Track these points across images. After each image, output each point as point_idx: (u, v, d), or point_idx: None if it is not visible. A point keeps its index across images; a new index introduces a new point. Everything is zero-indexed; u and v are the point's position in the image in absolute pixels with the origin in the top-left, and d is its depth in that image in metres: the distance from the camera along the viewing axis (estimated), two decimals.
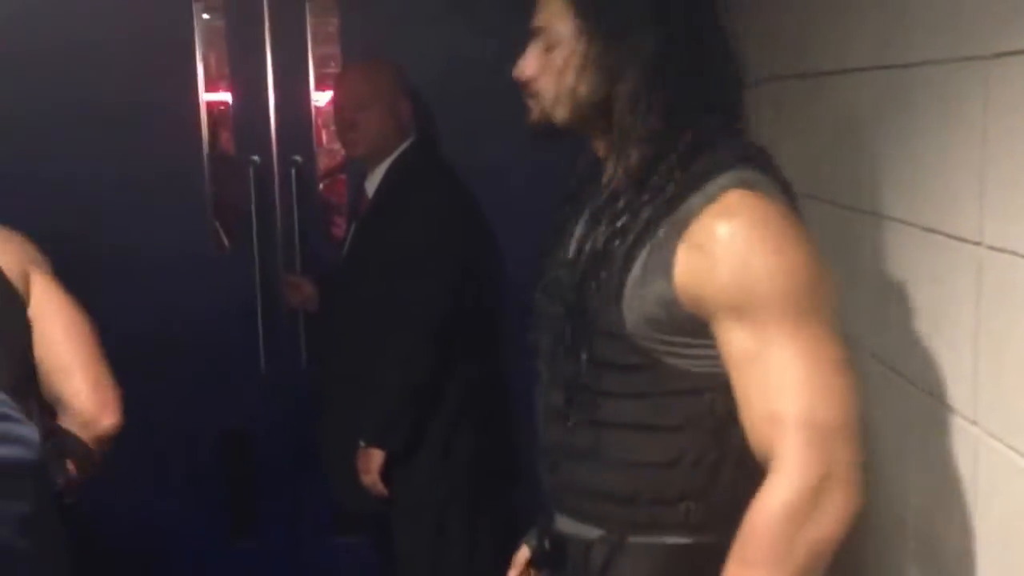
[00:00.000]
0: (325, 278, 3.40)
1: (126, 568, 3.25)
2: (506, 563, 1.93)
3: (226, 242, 3.57)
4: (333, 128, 3.46)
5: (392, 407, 3.07)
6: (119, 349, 3.36)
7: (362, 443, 3.08)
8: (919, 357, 1.83)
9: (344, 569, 3.67)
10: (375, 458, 3.06)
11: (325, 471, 3.32)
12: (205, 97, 3.46)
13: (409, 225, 3.04)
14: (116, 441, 2.20)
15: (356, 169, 3.38)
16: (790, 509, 1.51)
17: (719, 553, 1.58)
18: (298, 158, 3.48)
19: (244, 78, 3.47)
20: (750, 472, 1.59)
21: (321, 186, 3.61)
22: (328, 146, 3.57)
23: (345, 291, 3.22)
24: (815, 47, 2.33)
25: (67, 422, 2.10)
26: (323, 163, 3.58)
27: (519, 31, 1.77)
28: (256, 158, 3.47)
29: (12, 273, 2.07)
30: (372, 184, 3.21)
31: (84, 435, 2.09)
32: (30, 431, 1.08)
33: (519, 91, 1.76)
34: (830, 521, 1.52)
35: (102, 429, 2.11)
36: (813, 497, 1.51)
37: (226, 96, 3.50)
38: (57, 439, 2.03)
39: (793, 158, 1.99)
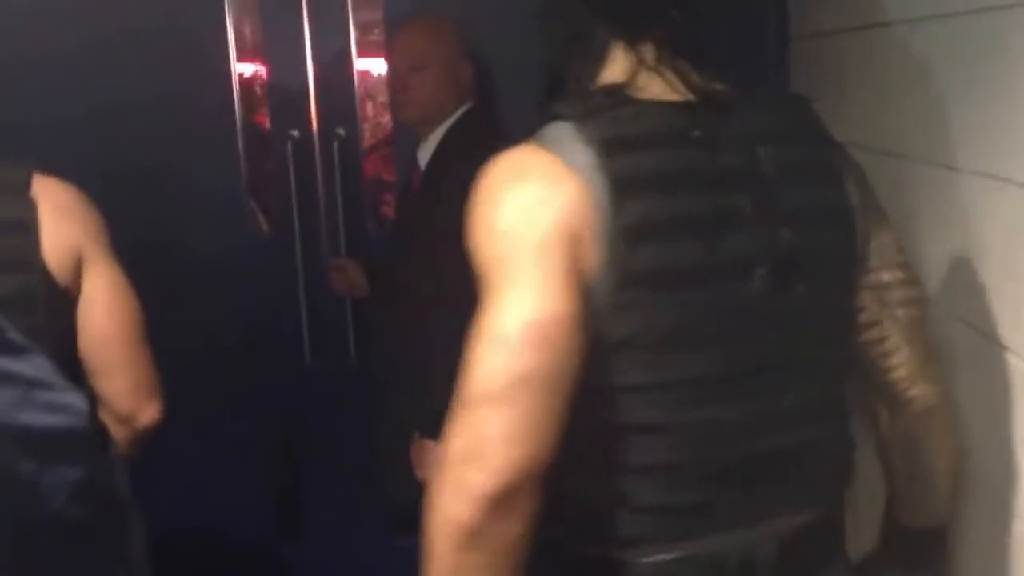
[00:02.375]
0: (374, 261, 3.34)
1: (169, 569, 3.25)
2: None
3: (264, 225, 3.52)
4: (382, 100, 3.43)
5: (447, 396, 2.98)
6: (154, 341, 3.33)
7: (416, 435, 3.04)
8: (1001, 315, 1.81)
9: (399, 571, 3.61)
10: (431, 450, 2.98)
11: (380, 466, 3.28)
12: (238, 68, 3.39)
13: (462, 199, 2.95)
14: (156, 439, 2.24)
15: (405, 142, 3.32)
16: (433, 489, 1.50)
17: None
18: (341, 131, 3.42)
19: (280, 47, 3.40)
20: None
21: (367, 161, 3.53)
22: (374, 118, 3.51)
23: (395, 273, 3.17)
24: None
25: (105, 416, 2.12)
26: (368, 136, 3.52)
27: None
28: (295, 132, 3.41)
29: (63, 256, 2.08)
30: (425, 154, 3.16)
31: (121, 431, 2.12)
32: (77, 399, 1.11)
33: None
34: (458, 501, 1.47)
35: (140, 426, 2.18)
36: (451, 474, 1.48)
37: (261, 67, 3.44)
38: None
39: (859, 112, 2.04)
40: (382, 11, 3.41)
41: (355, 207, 3.48)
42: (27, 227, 2.03)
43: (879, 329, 1.75)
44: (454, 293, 2.88)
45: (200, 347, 3.36)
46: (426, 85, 3.09)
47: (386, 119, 3.47)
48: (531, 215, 1.54)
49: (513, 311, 1.51)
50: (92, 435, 1.13)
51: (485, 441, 1.47)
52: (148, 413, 2.18)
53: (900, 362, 1.75)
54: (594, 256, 1.53)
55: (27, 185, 2.06)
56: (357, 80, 3.45)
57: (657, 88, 1.65)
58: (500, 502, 1.47)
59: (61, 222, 2.09)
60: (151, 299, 3.32)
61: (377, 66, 3.41)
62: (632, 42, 1.68)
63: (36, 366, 1.10)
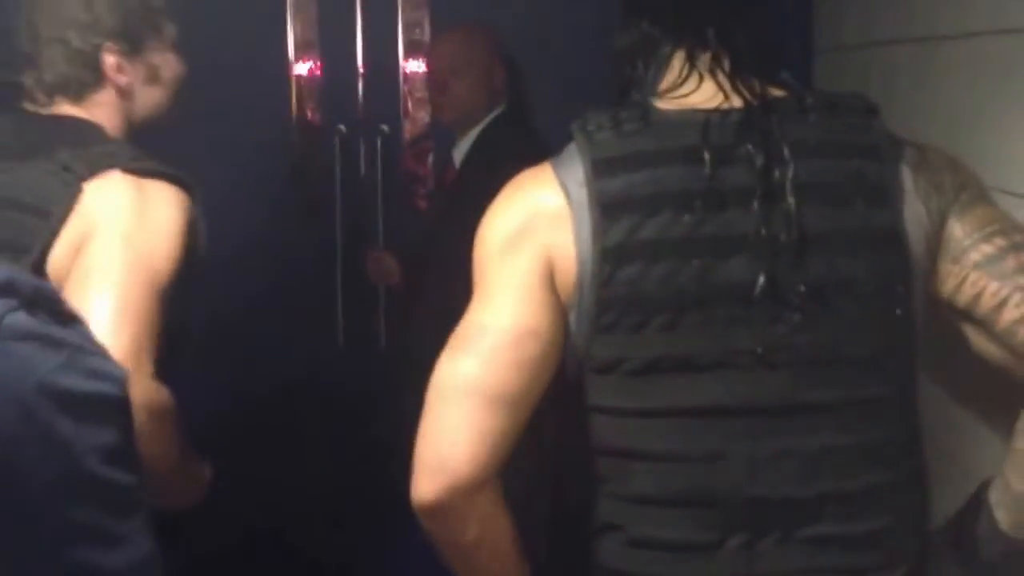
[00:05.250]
0: (409, 253, 3.46)
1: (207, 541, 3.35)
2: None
3: (309, 214, 3.66)
4: (421, 95, 3.57)
5: None
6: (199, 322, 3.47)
7: None
8: None
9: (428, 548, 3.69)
10: None
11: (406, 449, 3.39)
12: (297, 68, 3.55)
13: (493, 198, 3.09)
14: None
15: (443, 139, 3.43)
16: None
17: None
18: (385, 127, 3.57)
19: (332, 46, 3.54)
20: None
21: (404, 155, 3.68)
22: (414, 114, 3.65)
23: (431, 267, 3.27)
24: (930, 9, 2.27)
25: None
26: (408, 131, 3.66)
27: None
28: (342, 127, 3.56)
29: None
30: (460, 153, 3.29)
31: None
32: (115, 368, 1.15)
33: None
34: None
35: None
36: None
37: (314, 64, 3.59)
38: None
39: (904, 128, 1.83)
40: (427, 9, 3.56)
41: (394, 200, 3.61)
42: None
43: (1013, 306, 1.53)
44: None
45: (240, 326, 3.44)
46: (462, 89, 3.22)
47: (422, 114, 3.61)
48: (515, 233, 1.58)
49: (474, 320, 1.57)
50: (127, 402, 1.16)
51: (419, 459, 1.54)
52: None
53: None
54: (574, 276, 1.53)
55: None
56: (402, 79, 3.61)
57: (703, 95, 1.59)
58: (429, 514, 1.57)
59: None
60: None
61: (418, 64, 3.55)
62: (691, 50, 1.62)
63: (81, 335, 1.15)
